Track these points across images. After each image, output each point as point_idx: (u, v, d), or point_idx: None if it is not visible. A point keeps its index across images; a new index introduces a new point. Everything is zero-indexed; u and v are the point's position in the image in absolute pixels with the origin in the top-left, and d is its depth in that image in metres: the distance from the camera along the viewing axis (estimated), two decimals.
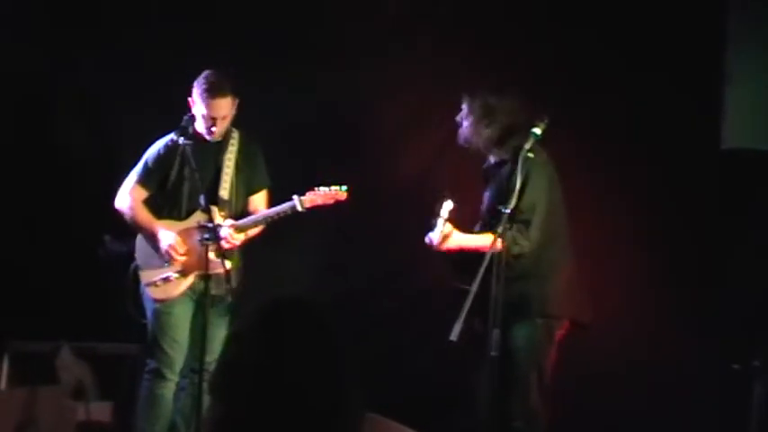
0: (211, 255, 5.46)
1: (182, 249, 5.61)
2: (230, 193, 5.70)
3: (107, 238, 6.24)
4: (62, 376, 6.42)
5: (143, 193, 5.75)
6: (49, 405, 6.18)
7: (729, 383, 5.57)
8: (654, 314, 6.04)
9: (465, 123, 5.32)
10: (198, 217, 5.57)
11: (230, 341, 2.05)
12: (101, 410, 6.44)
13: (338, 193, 5.57)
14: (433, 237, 5.11)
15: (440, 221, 5.08)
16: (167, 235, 5.63)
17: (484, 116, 5.25)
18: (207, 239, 5.40)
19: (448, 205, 5.06)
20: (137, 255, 5.75)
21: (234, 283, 5.51)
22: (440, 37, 6.59)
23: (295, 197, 5.55)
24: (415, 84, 6.53)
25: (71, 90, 6.94)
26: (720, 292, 5.96)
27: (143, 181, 5.74)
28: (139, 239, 5.76)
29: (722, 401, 5.67)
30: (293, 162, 6.25)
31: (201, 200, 5.46)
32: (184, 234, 5.65)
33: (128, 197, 5.75)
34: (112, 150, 6.71)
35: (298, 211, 5.56)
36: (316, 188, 5.57)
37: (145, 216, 5.72)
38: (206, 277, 5.42)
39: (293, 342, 1.98)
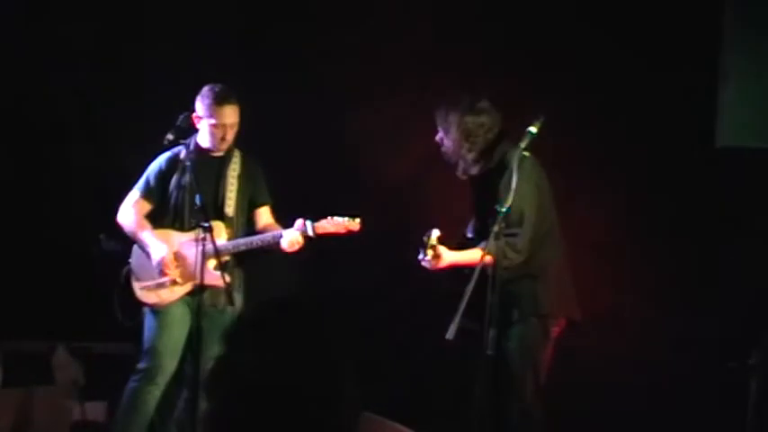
0: (210, 267, 5.50)
1: (173, 266, 5.61)
2: (234, 211, 5.71)
3: (102, 236, 6.23)
4: (57, 376, 6.42)
5: (146, 206, 5.76)
6: (44, 405, 6.18)
7: (726, 382, 5.57)
8: (650, 312, 6.04)
9: (446, 144, 5.31)
10: (165, 236, 5.62)
11: (225, 343, 2.05)
12: (96, 410, 6.44)
13: (351, 224, 5.58)
14: (425, 260, 5.12)
15: (429, 250, 5.08)
16: (160, 249, 5.63)
17: (464, 139, 5.22)
18: (204, 240, 5.40)
19: (435, 233, 5.07)
20: (132, 257, 5.75)
21: (234, 296, 5.53)
22: (435, 37, 6.59)
23: (308, 222, 5.54)
24: (410, 85, 6.53)
25: (69, 92, 6.93)
26: (716, 290, 5.96)
27: (145, 195, 5.76)
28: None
29: (719, 399, 5.66)
30: (286, 167, 6.25)
31: (197, 199, 5.45)
32: (186, 245, 5.65)
33: (131, 210, 5.76)
34: (108, 152, 6.71)
35: (309, 237, 5.55)
36: (330, 217, 5.58)
37: (146, 232, 5.72)
38: (201, 289, 5.45)
39: (288, 343, 1.98)
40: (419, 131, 5.93)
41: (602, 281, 5.82)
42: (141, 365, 5.69)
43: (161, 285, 5.66)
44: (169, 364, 5.66)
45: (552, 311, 5.22)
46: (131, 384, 5.69)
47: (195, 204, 5.49)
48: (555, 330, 5.23)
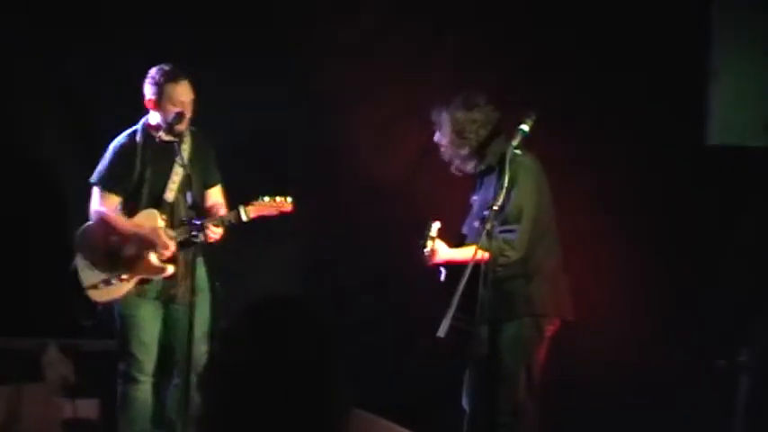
0: (154, 259, 5.48)
1: (171, 245, 5.55)
2: (175, 196, 5.60)
3: None
4: (48, 373, 6.41)
5: (115, 199, 5.63)
6: (34, 402, 6.18)
7: (716, 379, 5.59)
8: (642, 312, 6.05)
9: (442, 143, 5.32)
10: (143, 218, 5.54)
11: (220, 339, 2.05)
12: (87, 408, 6.43)
13: (283, 203, 5.56)
14: (423, 253, 5.14)
15: (428, 241, 5.09)
16: (162, 239, 5.54)
17: (457, 136, 5.23)
18: (195, 237, 5.38)
19: (436, 225, 5.08)
20: (78, 255, 5.63)
21: (183, 286, 5.52)
22: (427, 36, 6.59)
23: (240, 207, 5.50)
24: (403, 80, 6.54)
25: (56, 89, 6.93)
26: (707, 289, 5.98)
27: (110, 188, 5.62)
28: (82, 239, 5.64)
29: (710, 397, 5.69)
30: (281, 166, 6.25)
31: (188, 197, 5.44)
32: (135, 236, 5.56)
33: (102, 209, 5.62)
34: (94, 149, 6.70)
35: (242, 221, 5.49)
36: (260, 198, 5.52)
37: (124, 224, 5.61)
38: (184, 282, 5.47)
39: (283, 339, 1.98)
40: (414, 129, 5.95)
41: (591, 281, 5.83)
42: (121, 367, 5.69)
43: (107, 282, 5.58)
44: (147, 362, 5.65)
45: (546, 311, 5.22)
46: (119, 387, 5.70)
47: (187, 203, 5.47)
48: (549, 330, 5.23)
